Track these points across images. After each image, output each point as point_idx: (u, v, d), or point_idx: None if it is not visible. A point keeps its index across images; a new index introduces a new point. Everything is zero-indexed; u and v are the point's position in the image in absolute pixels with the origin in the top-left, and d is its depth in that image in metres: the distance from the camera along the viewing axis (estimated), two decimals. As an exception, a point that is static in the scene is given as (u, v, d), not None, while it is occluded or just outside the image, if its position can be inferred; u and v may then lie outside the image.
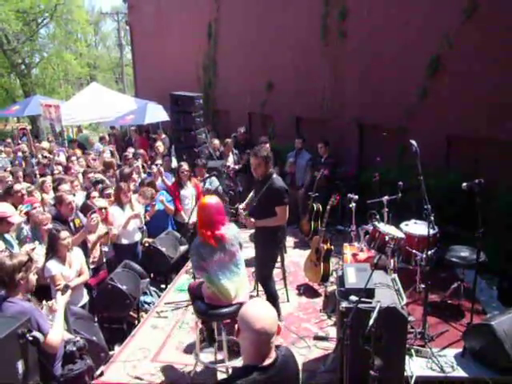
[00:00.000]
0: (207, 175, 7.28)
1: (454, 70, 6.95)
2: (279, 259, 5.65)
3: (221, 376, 4.32)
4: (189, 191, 7.41)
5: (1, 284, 3.34)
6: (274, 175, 4.99)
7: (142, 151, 10.16)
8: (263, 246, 5.09)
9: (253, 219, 4.88)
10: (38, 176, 8.21)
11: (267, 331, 2.03)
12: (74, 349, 3.60)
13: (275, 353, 2.11)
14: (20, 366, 2.74)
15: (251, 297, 5.62)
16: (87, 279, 5.07)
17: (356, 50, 8.65)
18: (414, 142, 4.41)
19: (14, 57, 24.00)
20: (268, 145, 8.37)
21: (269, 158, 4.91)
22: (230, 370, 4.19)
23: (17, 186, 6.26)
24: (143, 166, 8.92)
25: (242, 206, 5.25)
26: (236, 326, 2.13)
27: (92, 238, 5.57)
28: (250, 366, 2.06)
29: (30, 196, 6.27)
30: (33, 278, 3.50)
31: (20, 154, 10.95)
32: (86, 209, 5.96)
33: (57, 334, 3.38)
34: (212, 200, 4.25)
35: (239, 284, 4.20)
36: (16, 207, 5.61)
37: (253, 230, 5.50)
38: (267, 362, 2.06)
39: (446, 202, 6.15)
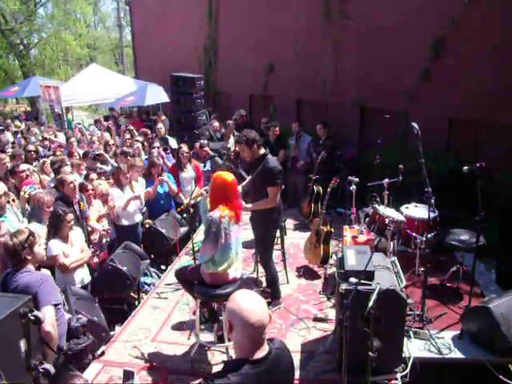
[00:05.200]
0: (208, 157, 7.23)
1: (456, 52, 6.88)
2: (279, 241, 5.66)
3: (220, 356, 4.37)
4: (189, 174, 7.31)
5: (11, 262, 3.49)
6: (269, 156, 4.99)
7: (144, 130, 10.15)
8: (260, 228, 5.12)
9: (244, 203, 4.87)
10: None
11: (263, 323, 1.97)
12: (79, 325, 3.66)
13: (268, 346, 2.03)
14: (22, 344, 2.76)
15: (254, 281, 5.66)
16: (90, 258, 5.10)
17: (357, 32, 8.55)
18: (415, 124, 4.38)
19: (12, 37, 23.70)
20: (278, 128, 8.31)
21: (251, 141, 4.88)
22: (230, 350, 4.22)
23: (23, 166, 6.23)
24: (142, 144, 8.81)
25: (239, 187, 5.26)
26: (227, 323, 2.01)
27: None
28: (241, 360, 1.98)
29: (27, 178, 6.25)
30: (39, 249, 3.58)
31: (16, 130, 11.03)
32: (82, 188, 5.95)
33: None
34: (232, 176, 4.29)
35: (241, 259, 4.37)
36: (19, 187, 5.62)
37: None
38: (260, 354, 1.98)
39: (446, 185, 6.14)
